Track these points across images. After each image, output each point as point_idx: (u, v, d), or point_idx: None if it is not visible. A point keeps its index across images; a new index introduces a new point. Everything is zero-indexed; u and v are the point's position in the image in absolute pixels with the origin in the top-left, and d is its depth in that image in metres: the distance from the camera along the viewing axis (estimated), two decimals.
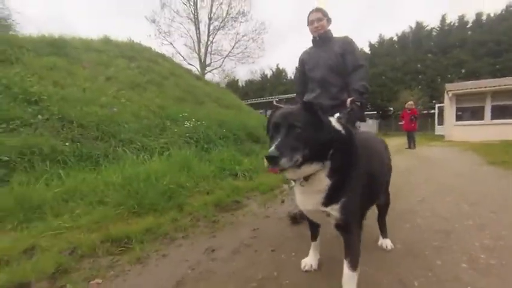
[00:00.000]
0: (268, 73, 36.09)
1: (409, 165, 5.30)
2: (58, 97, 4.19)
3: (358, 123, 2.23)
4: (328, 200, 1.12)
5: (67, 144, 3.31)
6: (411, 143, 9.47)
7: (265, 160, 0.95)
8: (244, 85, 36.12)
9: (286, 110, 1.11)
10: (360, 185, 1.16)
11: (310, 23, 2.18)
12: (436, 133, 18.98)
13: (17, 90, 3.90)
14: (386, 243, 1.71)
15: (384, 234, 1.75)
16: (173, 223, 2.16)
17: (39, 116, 3.71)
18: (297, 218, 2.16)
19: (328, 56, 2.13)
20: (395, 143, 10.52)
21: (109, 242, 1.75)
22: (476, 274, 1.36)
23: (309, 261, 1.49)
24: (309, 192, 1.15)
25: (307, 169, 1.06)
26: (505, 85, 12.71)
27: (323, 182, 1.10)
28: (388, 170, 1.64)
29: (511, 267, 1.41)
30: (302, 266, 1.48)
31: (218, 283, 1.39)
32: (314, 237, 1.51)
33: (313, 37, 2.22)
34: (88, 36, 7.48)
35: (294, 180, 1.17)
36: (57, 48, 5.72)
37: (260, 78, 36.51)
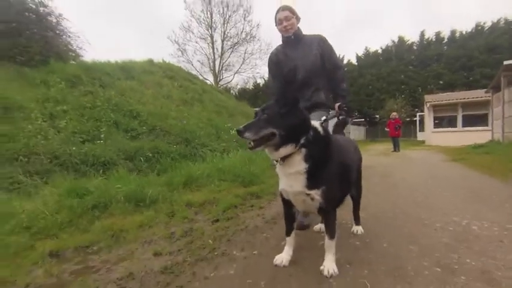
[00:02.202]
0: (260, 82, 38.11)
1: (395, 162, 7.24)
2: (147, 113, 5.82)
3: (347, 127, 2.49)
4: (311, 184, 1.35)
5: (175, 146, 4.96)
6: (396, 147, 11.48)
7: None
8: (237, 94, 37.93)
9: (265, 104, 1.39)
10: (335, 176, 1.44)
11: (278, 22, 2.12)
12: (418, 139, 21.43)
13: (124, 109, 5.52)
14: (357, 228, 2.05)
15: (357, 222, 2.09)
16: (269, 189, 3.85)
17: (144, 128, 5.34)
18: (304, 226, 2.20)
19: (306, 57, 2.10)
20: (382, 147, 12.56)
21: (249, 194, 3.45)
22: (423, 196, 3.17)
23: (284, 256, 1.59)
24: (290, 173, 1.37)
25: (283, 150, 1.30)
26: (472, 97, 15.12)
27: (300, 164, 1.33)
28: (358, 167, 1.94)
29: (435, 199, 3.21)
30: (274, 260, 1.59)
31: None
32: (289, 231, 1.61)
33: (286, 37, 2.15)
34: (133, 59, 9.08)
35: (276, 161, 1.41)
36: (126, 72, 7.32)
37: (253, 87, 38.45)
